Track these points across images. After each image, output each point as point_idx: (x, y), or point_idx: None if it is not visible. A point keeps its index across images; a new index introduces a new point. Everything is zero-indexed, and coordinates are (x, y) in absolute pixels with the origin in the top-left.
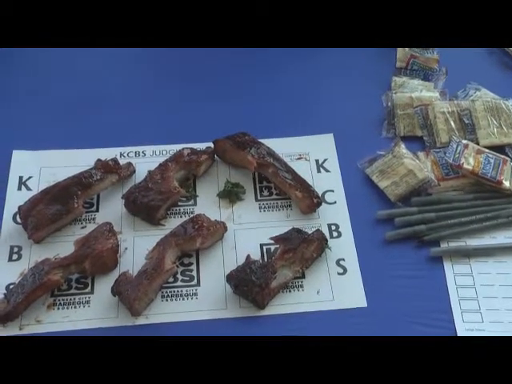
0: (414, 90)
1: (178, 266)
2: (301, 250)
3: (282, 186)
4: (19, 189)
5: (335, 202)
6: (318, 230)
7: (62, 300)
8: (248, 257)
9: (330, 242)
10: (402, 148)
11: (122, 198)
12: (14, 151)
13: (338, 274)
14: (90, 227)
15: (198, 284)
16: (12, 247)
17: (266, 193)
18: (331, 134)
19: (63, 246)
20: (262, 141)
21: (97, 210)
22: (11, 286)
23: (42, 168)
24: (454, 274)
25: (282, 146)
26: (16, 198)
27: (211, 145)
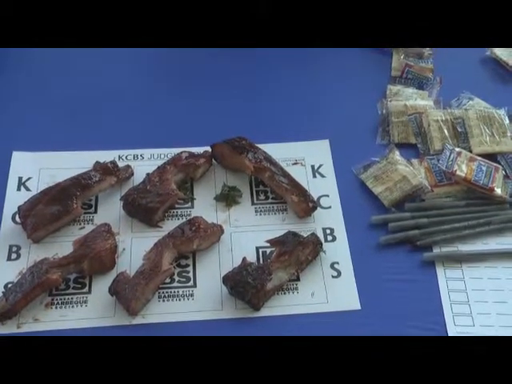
0: (408, 98)
1: (174, 267)
2: (296, 253)
3: (278, 190)
4: (18, 189)
5: (330, 207)
6: (313, 234)
7: (60, 299)
8: (244, 259)
9: (325, 246)
10: (397, 155)
11: (120, 199)
12: (13, 152)
13: (333, 276)
14: (89, 228)
15: (195, 285)
16: (11, 246)
17: (262, 197)
18: (327, 140)
19: (62, 246)
20: (258, 146)
21: (95, 212)
22: (9, 285)
23: (41, 169)
24: (446, 278)
25: (279, 151)
26: (15, 199)
27: (209, 149)
